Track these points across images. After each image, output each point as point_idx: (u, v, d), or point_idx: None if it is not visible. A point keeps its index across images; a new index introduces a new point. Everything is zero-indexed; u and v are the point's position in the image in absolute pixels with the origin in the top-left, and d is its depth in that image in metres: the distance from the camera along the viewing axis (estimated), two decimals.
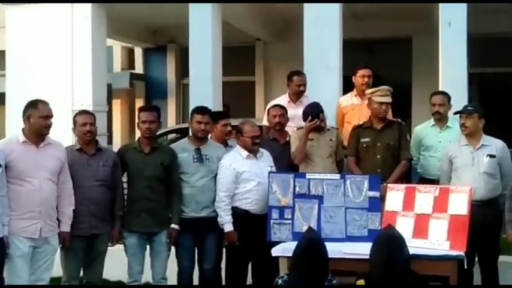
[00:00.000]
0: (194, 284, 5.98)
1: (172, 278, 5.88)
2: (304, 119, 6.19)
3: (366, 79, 6.88)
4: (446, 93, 6.53)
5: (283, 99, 6.98)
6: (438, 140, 6.35)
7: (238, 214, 5.77)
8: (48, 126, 5.16)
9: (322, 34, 7.81)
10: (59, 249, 5.38)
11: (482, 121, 5.71)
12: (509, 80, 12.46)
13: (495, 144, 5.72)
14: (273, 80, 12.35)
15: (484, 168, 5.60)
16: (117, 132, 13.50)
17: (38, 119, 5.10)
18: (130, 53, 14.11)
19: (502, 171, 5.69)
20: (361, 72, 6.92)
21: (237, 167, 5.78)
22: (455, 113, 5.89)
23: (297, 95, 6.98)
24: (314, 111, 6.15)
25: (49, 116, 5.15)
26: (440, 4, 7.62)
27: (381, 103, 6.06)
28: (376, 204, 5.55)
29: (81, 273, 5.67)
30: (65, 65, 8.84)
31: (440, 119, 6.41)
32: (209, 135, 6.15)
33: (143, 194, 5.66)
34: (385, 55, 12.86)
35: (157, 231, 5.70)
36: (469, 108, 5.74)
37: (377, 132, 6.07)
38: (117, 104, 13.63)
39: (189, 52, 8.32)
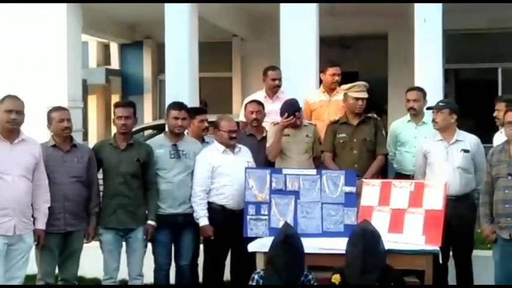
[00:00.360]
0: (171, 280, 5.94)
1: (148, 275, 5.86)
2: (281, 116, 6.19)
3: (336, 77, 6.89)
4: (421, 89, 6.58)
5: (259, 95, 7.00)
6: (414, 135, 6.39)
7: (214, 209, 5.76)
8: (13, 121, 5.03)
9: (299, 31, 7.84)
10: (34, 246, 5.32)
11: (454, 116, 5.73)
12: (484, 76, 12.61)
13: (469, 140, 5.77)
14: (250, 76, 12.35)
15: (458, 163, 5.65)
16: (93, 129, 13.43)
17: (2, 114, 5.02)
18: (106, 49, 14.04)
19: (476, 166, 5.73)
20: (331, 70, 6.92)
21: (212, 162, 5.77)
22: (427, 109, 5.93)
23: (272, 90, 7.00)
24: (291, 109, 6.15)
25: (13, 111, 5.03)
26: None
27: (357, 98, 6.09)
28: (352, 200, 5.57)
29: (57, 271, 5.62)
30: (40, 61, 8.76)
31: (416, 115, 6.46)
32: (185, 131, 6.14)
33: (119, 191, 5.62)
34: (361, 51, 12.95)
35: (134, 228, 5.66)
36: (440, 103, 5.79)
37: (353, 128, 6.10)
38: (92, 100, 13.55)
39: (165, 48, 8.29)
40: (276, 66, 7.19)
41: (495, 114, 5.81)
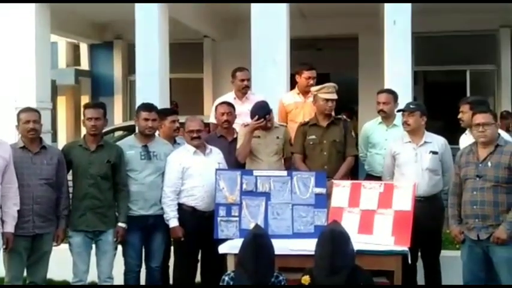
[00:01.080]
0: (141, 283, 5.91)
1: (118, 277, 5.81)
2: (252, 118, 6.20)
3: (311, 81, 6.86)
4: (392, 91, 6.59)
5: (229, 97, 6.99)
6: (384, 137, 6.42)
7: (184, 211, 5.75)
8: None
9: (270, 32, 7.84)
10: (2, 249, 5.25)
11: (424, 118, 5.80)
12: (452, 78, 12.78)
13: (437, 141, 5.83)
14: (221, 77, 12.32)
15: (427, 164, 5.70)
16: (63, 130, 13.30)
17: None
18: (75, 49, 13.92)
19: (444, 167, 5.80)
20: (306, 73, 6.89)
21: (183, 163, 5.76)
22: (398, 111, 5.98)
23: (241, 91, 7.00)
24: (261, 111, 6.15)
25: None
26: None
27: (327, 100, 6.11)
28: (323, 201, 5.60)
29: (26, 273, 5.55)
30: (8, 61, 8.65)
31: (386, 117, 6.49)
32: (157, 132, 6.13)
33: (89, 192, 5.57)
34: (332, 53, 13.03)
35: (104, 230, 5.62)
36: (411, 106, 5.84)
37: (323, 130, 6.13)
38: (62, 101, 13.42)
39: (136, 49, 8.25)
40: (244, 67, 7.18)
41: (460, 116, 5.87)
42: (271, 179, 5.66)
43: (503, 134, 5.40)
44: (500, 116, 10.29)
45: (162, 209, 5.76)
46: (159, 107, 6.30)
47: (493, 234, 4.93)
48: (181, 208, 5.75)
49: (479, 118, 5.08)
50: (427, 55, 12.02)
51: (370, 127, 6.67)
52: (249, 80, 7.03)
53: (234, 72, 7.08)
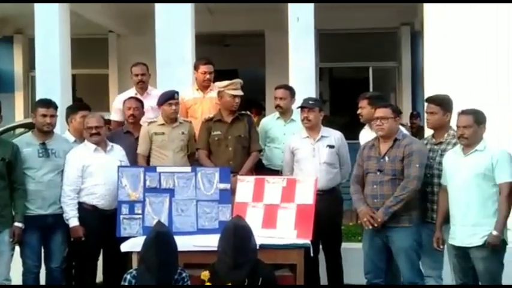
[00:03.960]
0: (41, 284, 5.73)
1: (17, 279, 5.62)
2: (159, 106, 6.17)
3: (208, 75, 6.83)
4: (289, 87, 6.71)
5: (130, 93, 6.97)
6: (283, 132, 6.52)
7: (85, 209, 5.63)
8: None
9: (174, 29, 7.77)
10: None
11: (322, 114, 5.97)
12: (356, 75, 13.10)
13: (334, 135, 5.97)
14: (127, 73, 11.86)
15: (324, 158, 5.82)
16: None
17: None
18: None
19: (341, 160, 5.95)
20: (202, 68, 6.85)
21: (83, 161, 5.64)
22: (298, 107, 6.06)
23: (138, 85, 6.96)
24: (169, 93, 6.16)
25: None
26: None
27: (234, 96, 6.12)
28: (227, 196, 5.62)
29: None
30: None
31: (284, 112, 6.59)
32: (67, 127, 6.05)
33: None
34: (239, 49, 13.08)
35: None
36: (310, 102, 5.94)
37: (228, 125, 6.13)
38: None
39: (35, 44, 7.98)
40: (140, 62, 7.12)
41: (359, 111, 6.02)
42: (175, 175, 5.63)
43: (402, 129, 5.56)
44: (412, 116, 10.89)
45: (61, 208, 5.61)
46: (61, 103, 6.14)
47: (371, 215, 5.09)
48: (82, 207, 5.62)
49: (378, 112, 5.25)
50: (331, 52, 12.26)
51: (269, 122, 6.76)
52: (143, 74, 6.97)
53: (130, 68, 7.02)
